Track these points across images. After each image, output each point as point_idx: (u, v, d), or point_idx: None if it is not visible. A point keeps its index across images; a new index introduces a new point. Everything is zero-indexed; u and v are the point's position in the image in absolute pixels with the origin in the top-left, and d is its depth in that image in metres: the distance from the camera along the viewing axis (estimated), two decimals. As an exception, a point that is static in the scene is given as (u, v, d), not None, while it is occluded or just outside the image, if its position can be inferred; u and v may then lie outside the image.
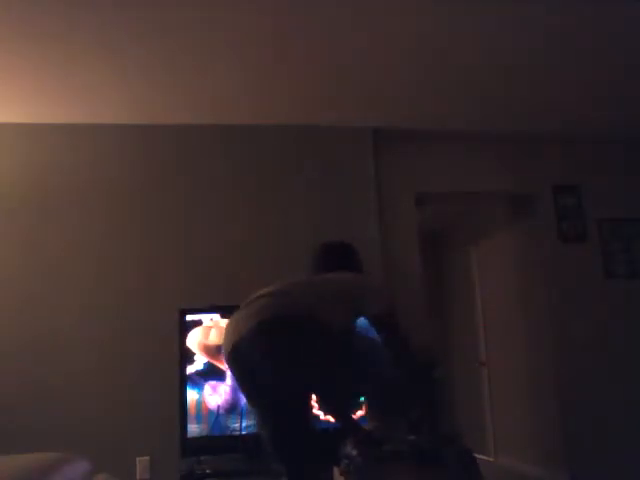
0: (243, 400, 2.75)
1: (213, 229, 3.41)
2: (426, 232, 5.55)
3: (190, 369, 2.91)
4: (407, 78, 3.18)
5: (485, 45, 2.89)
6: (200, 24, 2.58)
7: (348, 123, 3.64)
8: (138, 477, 3.02)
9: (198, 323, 2.95)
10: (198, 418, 2.84)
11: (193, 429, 2.83)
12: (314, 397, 2.48)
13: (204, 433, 2.84)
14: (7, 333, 3.10)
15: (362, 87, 3.24)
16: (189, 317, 2.96)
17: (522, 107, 3.61)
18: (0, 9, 2.36)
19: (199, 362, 2.92)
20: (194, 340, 2.90)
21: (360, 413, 2.86)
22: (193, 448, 2.84)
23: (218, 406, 2.85)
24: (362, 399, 2.79)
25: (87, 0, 2.35)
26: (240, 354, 2.12)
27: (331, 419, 2.71)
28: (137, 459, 3.04)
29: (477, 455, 2.28)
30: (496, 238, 5.05)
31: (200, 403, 2.87)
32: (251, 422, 2.84)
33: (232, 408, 2.84)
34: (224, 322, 2.85)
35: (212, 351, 2.88)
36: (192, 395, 2.87)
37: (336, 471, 2.48)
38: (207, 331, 2.90)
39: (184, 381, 2.90)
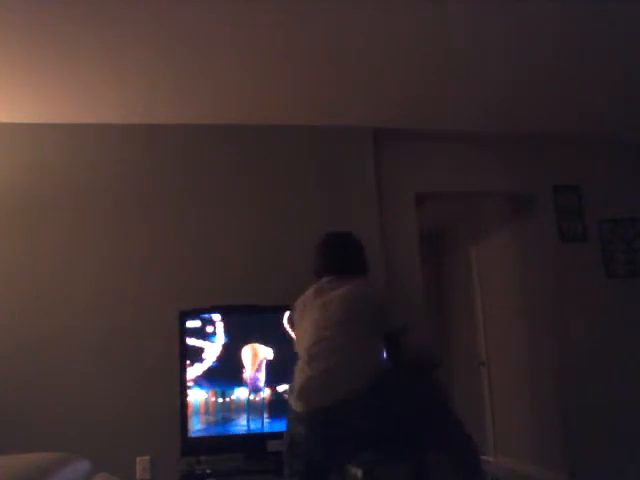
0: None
1: (213, 230, 3.41)
2: (426, 232, 5.55)
3: (197, 370, 2.94)
4: (407, 78, 3.17)
5: (485, 45, 2.88)
6: (200, 24, 2.58)
7: (348, 123, 3.64)
8: (138, 477, 3.03)
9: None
10: (206, 413, 2.92)
11: (202, 419, 2.90)
12: None
13: (212, 423, 2.91)
14: (7, 333, 3.10)
15: (362, 87, 3.24)
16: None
17: (522, 107, 3.61)
18: (0, 9, 2.36)
19: (208, 362, 2.96)
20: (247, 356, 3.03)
21: None
22: (193, 448, 2.86)
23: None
24: None
25: (87, 0, 2.36)
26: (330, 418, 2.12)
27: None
28: (137, 459, 3.04)
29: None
30: (496, 238, 5.05)
31: (208, 401, 2.92)
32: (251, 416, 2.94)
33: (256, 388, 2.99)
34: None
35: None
36: (201, 395, 2.92)
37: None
38: (254, 351, 3.03)
39: (184, 381, 2.91)
